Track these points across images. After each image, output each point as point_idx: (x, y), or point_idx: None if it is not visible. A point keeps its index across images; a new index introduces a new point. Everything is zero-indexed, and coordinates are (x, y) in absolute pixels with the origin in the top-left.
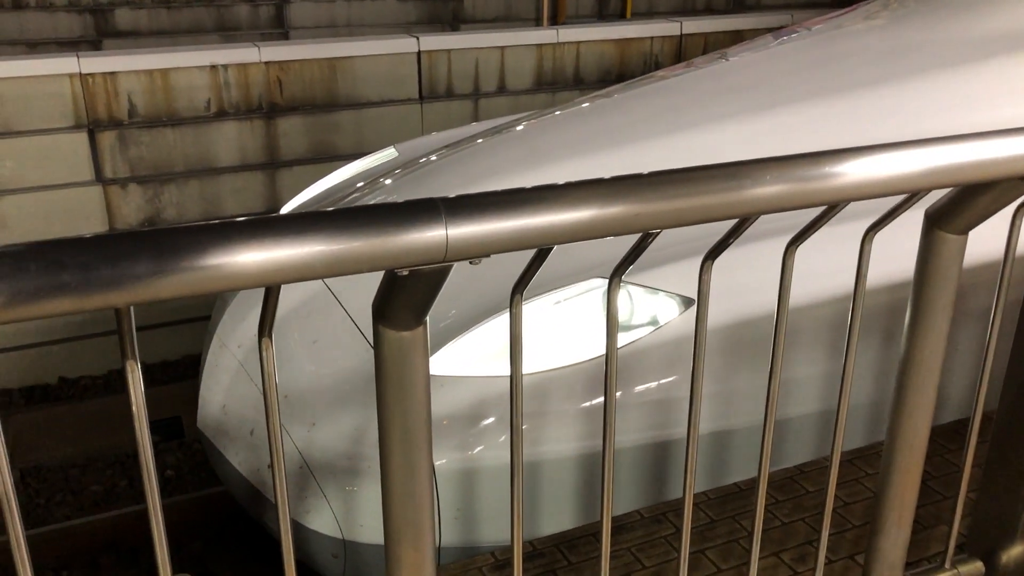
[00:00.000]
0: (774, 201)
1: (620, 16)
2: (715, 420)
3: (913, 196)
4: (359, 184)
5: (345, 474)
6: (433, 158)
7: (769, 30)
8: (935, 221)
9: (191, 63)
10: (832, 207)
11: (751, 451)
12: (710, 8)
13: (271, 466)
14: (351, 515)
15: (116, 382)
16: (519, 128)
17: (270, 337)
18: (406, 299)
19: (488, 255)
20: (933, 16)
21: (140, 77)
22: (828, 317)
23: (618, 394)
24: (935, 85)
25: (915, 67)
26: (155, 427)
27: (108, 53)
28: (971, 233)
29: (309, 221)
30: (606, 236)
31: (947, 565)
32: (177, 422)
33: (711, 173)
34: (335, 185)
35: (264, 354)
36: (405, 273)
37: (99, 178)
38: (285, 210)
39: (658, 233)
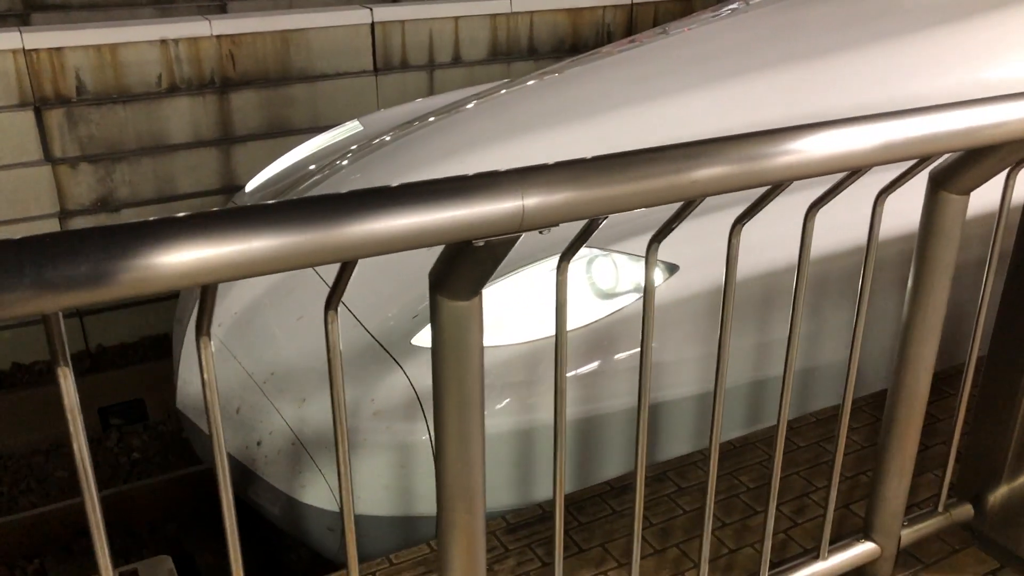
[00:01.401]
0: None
1: None
2: (704, 383)
3: (923, 161)
4: (331, 158)
5: None
6: (410, 130)
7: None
8: (940, 183)
9: (141, 37)
10: (853, 172)
11: (738, 411)
12: None
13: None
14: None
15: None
16: (484, 102)
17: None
18: (470, 269)
19: (558, 224)
20: None
21: (88, 52)
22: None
23: (599, 361)
24: (878, 54)
25: (858, 38)
26: (118, 410)
27: (53, 28)
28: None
29: (385, 196)
30: (658, 204)
31: (940, 509)
32: (140, 404)
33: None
34: (300, 160)
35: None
36: (481, 244)
37: (48, 157)
38: (249, 188)
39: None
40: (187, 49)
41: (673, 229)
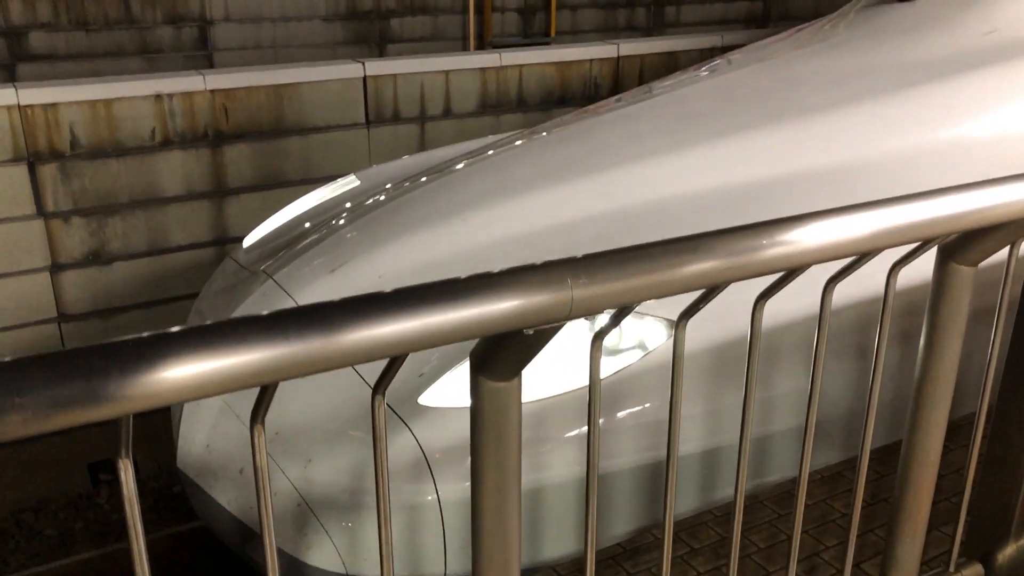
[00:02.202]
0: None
1: (545, 34)
2: (707, 440)
3: (933, 240)
4: (328, 214)
5: (346, 509)
6: (407, 188)
7: (701, 51)
8: (949, 255)
9: (135, 92)
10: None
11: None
12: (631, 26)
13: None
14: (354, 549)
15: None
16: (477, 161)
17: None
18: (515, 354)
19: (603, 311)
20: (853, 45)
21: (82, 108)
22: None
23: (604, 420)
24: (866, 112)
25: (844, 96)
26: (107, 466)
27: (48, 84)
28: None
29: (438, 290)
30: (695, 289)
31: (951, 569)
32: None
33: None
34: (298, 216)
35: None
36: (531, 332)
37: (40, 211)
38: (247, 243)
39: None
40: (181, 103)
41: (701, 308)
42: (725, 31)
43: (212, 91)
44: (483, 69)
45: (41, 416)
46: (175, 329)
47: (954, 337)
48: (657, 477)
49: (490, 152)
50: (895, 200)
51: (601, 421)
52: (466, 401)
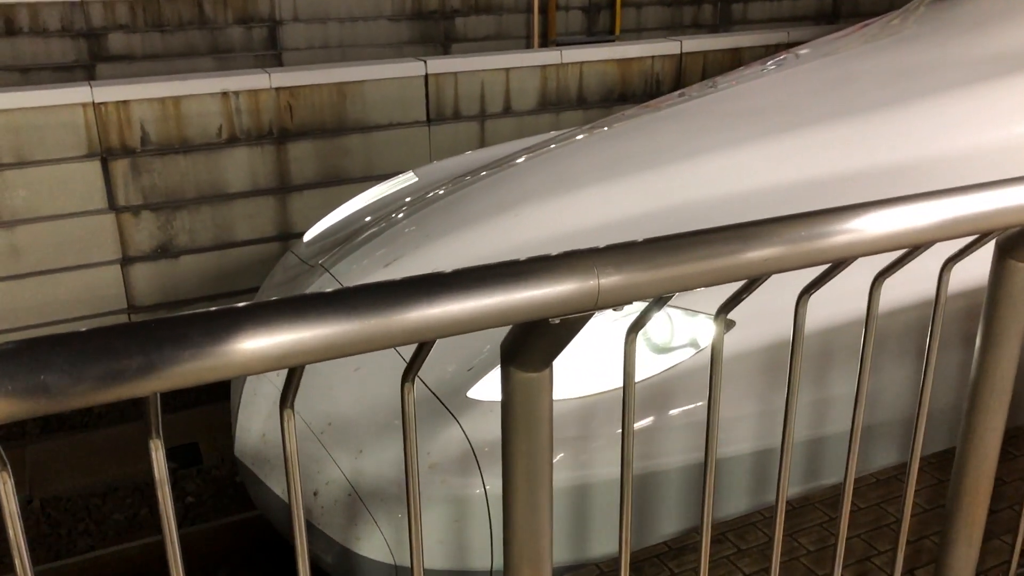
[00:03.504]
0: (862, 246)
1: (609, 32)
2: (760, 439)
3: (989, 234)
4: (386, 210)
5: (395, 500)
6: (464, 183)
7: (766, 47)
8: (1007, 251)
9: (203, 90)
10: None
11: (795, 469)
12: (697, 23)
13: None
14: (402, 541)
15: (127, 408)
16: (535, 156)
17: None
18: (543, 344)
19: (631, 302)
20: (922, 40)
21: (152, 105)
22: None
23: (653, 417)
24: (929, 108)
25: (908, 91)
26: (172, 454)
27: (120, 81)
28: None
29: (465, 277)
30: (729, 281)
31: None
32: (194, 448)
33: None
34: (357, 211)
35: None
36: (557, 322)
37: (112, 206)
38: (307, 237)
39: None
40: (247, 101)
41: (741, 301)
42: (792, 28)
43: (277, 89)
44: (543, 67)
45: (71, 392)
46: (199, 311)
47: (1012, 338)
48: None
49: (546, 148)
50: (948, 192)
51: (651, 419)
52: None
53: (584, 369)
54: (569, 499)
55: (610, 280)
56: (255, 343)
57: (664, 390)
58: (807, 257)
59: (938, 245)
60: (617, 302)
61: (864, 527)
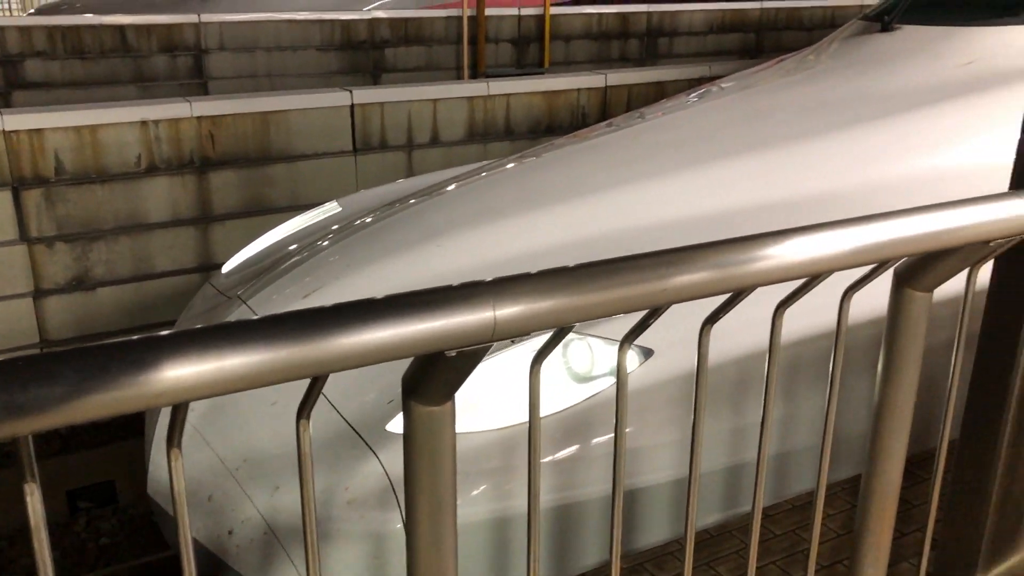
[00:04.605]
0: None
1: (539, 65)
2: (680, 468)
3: (886, 263)
4: (309, 239)
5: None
6: (388, 212)
7: (689, 81)
8: (904, 280)
9: (121, 119)
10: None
11: (714, 496)
12: (624, 56)
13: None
14: None
15: (43, 447)
16: (462, 186)
17: None
18: (443, 377)
19: (529, 333)
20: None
21: (68, 134)
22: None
23: (577, 446)
24: (848, 139)
25: (828, 123)
26: (87, 493)
27: (33, 109)
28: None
29: (357, 310)
30: (629, 311)
31: None
32: (110, 486)
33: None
34: (278, 241)
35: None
36: (454, 354)
37: (24, 237)
38: (226, 268)
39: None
40: (167, 130)
41: (644, 331)
42: (713, 62)
43: (199, 118)
44: (471, 98)
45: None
46: (68, 349)
47: (911, 364)
48: (630, 504)
49: (473, 177)
50: (848, 222)
51: (575, 448)
52: None
53: (503, 400)
54: (487, 533)
55: (506, 311)
56: (144, 378)
57: (584, 420)
58: (707, 287)
59: (842, 274)
60: (515, 333)
61: (779, 554)
